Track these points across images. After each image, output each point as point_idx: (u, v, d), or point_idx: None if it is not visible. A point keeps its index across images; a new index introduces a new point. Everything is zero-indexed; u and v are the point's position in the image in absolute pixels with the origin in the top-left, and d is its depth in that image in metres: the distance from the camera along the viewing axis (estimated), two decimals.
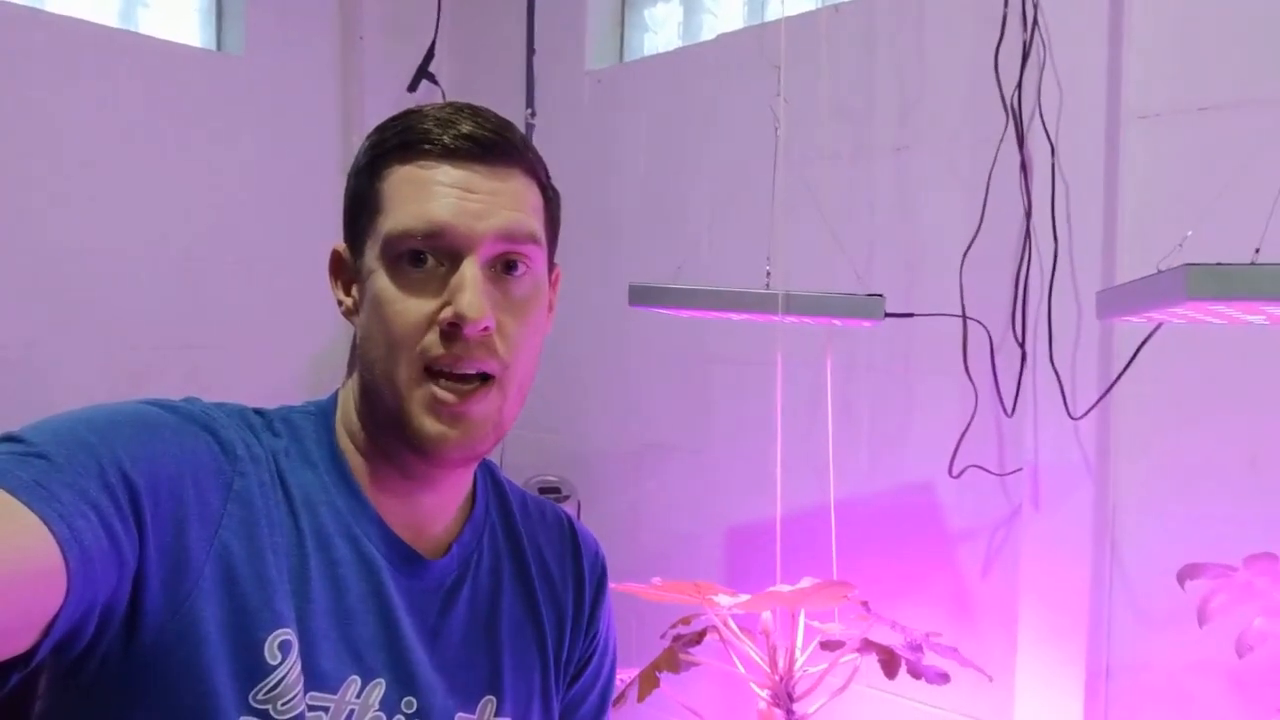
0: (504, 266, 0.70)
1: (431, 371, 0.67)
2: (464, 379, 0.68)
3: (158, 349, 1.94)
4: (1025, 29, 1.39)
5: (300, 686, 0.65)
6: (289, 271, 2.08)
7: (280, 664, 0.64)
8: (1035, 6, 1.38)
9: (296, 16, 2.17)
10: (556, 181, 0.78)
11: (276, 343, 2.11)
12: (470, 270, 0.67)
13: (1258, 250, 0.87)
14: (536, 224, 0.71)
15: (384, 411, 0.69)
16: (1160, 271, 0.78)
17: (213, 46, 2.13)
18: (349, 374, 0.75)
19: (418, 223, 0.67)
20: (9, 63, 1.75)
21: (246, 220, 2.08)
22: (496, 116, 0.71)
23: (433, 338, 0.67)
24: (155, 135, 1.94)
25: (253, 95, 2.09)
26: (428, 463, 0.70)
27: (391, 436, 0.70)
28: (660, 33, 2.16)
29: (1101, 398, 1.30)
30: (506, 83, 2.18)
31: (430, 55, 2.25)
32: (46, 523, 0.52)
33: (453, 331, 0.66)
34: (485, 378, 0.68)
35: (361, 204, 0.71)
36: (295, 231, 2.09)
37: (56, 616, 0.52)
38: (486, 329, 0.67)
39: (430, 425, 0.67)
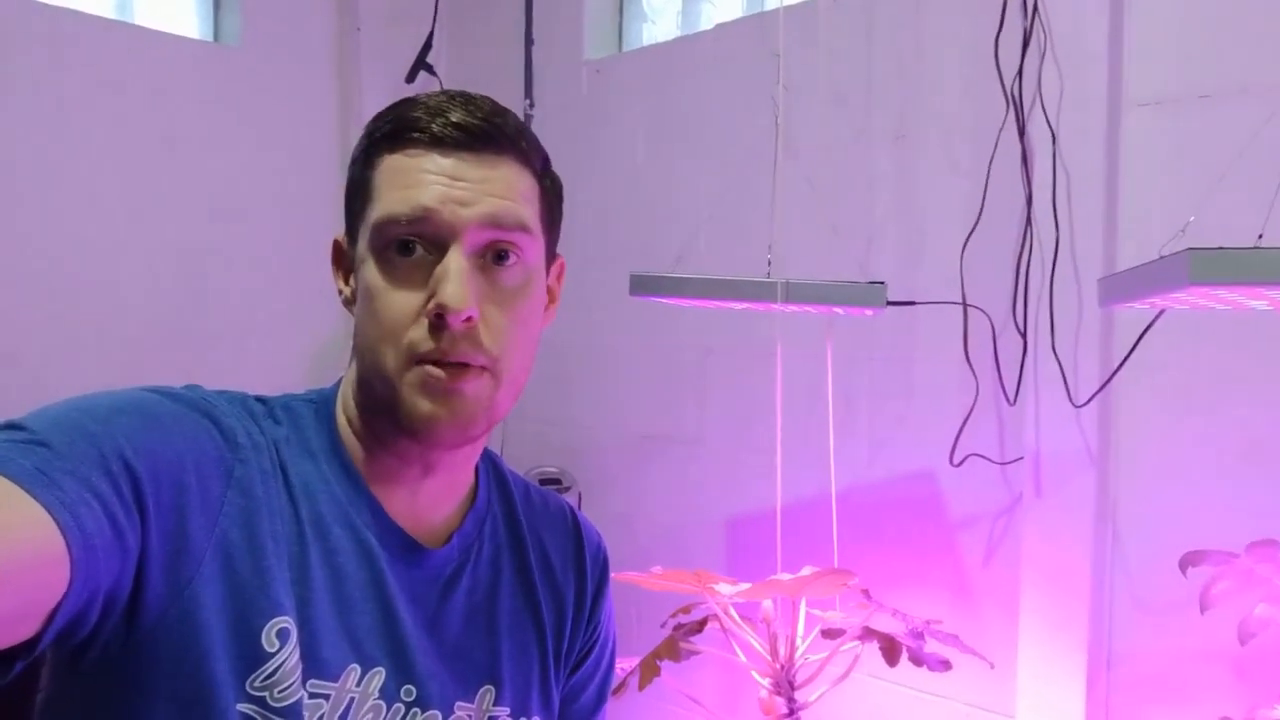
0: (494, 257, 0.69)
1: (420, 362, 0.67)
2: (452, 364, 0.67)
3: (155, 344, 1.93)
4: (1025, 16, 1.39)
5: (298, 675, 0.65)
6: (286, 265, 2.07)
7: (277, 652, 0.64)
8: None
9: (293, 7, 2.17)
10: (555, 171, 0.77)
11: (274, 338, 2.10)
12: (455, 259, 0.66)
13: (1260, 236, 0.87)
14: (527, 212, 0.70)
15: (377, 398, 0.69)
16: (1162, 257, 0.77)
17: (209, 37, 2.12)
18: (350, 363, 0.75)
19: (402, 208, 0.67)
20: (2, 54, 1.74)
21: (243, 213, 2.07)
22: (491, 104, 0.71)
23: (420, 331, 0.67)
24: (151, 127, 1.93)
25: (249, 86, 2.08)
26: (420, 444, 0.70)
27: (385, 421, 0.70)
28: (659, 22, 2.15)
29: (1103, 385, 1.30)
30: (505, 73, 2.18)
31: (428, 46, 2.24)
32: (49, 511, 0.52)
33: (439, 323, 0.66)
34: (475, 367, 0.68)
35: (356, 193, 0.71)
36: (292, 225, 2.09)
37: (60, 604, 0.52)
38: (470, 319, 0.66)
39: (422, 404, 0.67)
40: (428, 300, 0.66)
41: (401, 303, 0.67)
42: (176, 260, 1.97)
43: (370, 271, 0.68)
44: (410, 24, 2.26)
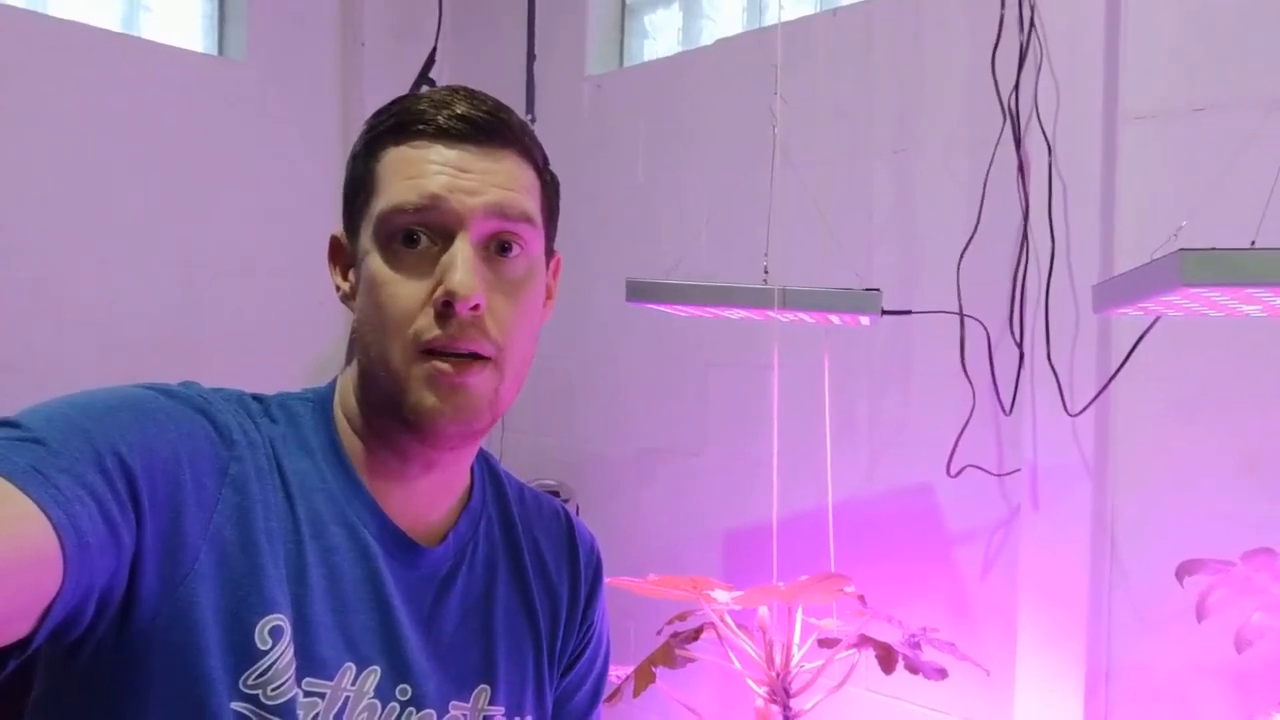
0: (498, 248, 0.70)
1: (426, 352, 0.67)
2: (459, 356, 0.67)
3: (156, 354, 1.94)
4: (1022, 31, 1.40)
5: (292, 672, 0.65)
6: (289, 277, 2.09)
7: (270, 649, 0.64)
8: (1032, 9, 1.39)
9: (298, 22, 2.19)
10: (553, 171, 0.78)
11: (275, 349, 2.11)
12: (462, 247, 0.67)
13: (1253, 243, 0.87)
14: (530, 204, 0.71)
15: (380, 392, 0.69)
16: (1155, 260, 0.78)
17: (214, 51, 2.14)
18: (348, 361, 0.75)
19: (410, 196, 0.67)
20: (10, 66, 1.76)
21: (247, 225, 2.09)
22: (493, 99, 0.71)
23: (426, 320, 0.67)
24: (156, 140, 1.95)
25: (254, 101, 2.10)
26: (423, 440, 0.70)
27: (388, 417, 0.70)
28: (660, 38, 2.17)
29: (1099, 394, 1.30)
30: (507, 88, 2.19)
31: (431, 61, 2.26)
32: (43, 508, 0.52)
33: (446, 311, 0.66)
34: (480, 358, 0.68)
35: (358, 187, 0.71)
36: (295, 237, 2.10)
37: (53, 603, 0.52)
38: (477, 306, 0.66)
39: (428, 398, 0.67)
40: (434, 289, 0.66)
41: (408, 292, 0.67)
42: (179, 271, 1.98)
43: (375, 263, 0.68)
44: (414, 40, 2.28)
